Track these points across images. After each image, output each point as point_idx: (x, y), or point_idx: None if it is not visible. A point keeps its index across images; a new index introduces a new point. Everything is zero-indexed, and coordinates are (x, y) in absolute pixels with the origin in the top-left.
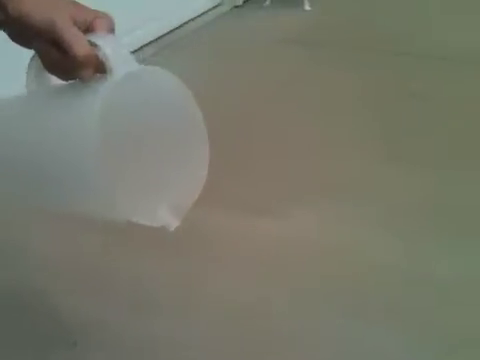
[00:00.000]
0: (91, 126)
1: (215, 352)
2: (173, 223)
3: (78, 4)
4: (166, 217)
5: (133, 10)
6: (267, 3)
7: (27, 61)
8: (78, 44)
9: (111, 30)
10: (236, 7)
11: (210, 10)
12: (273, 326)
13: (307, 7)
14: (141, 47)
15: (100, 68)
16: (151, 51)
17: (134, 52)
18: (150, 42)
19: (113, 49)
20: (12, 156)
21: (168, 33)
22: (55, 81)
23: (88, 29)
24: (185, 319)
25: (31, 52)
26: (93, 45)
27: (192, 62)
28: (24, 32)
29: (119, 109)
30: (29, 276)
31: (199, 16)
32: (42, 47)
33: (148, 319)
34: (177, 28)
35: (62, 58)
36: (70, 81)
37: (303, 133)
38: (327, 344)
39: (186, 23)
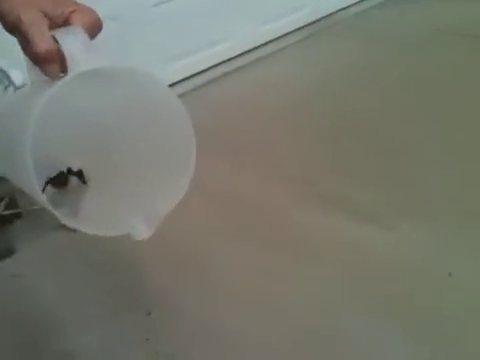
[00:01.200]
0: (27, 129)
1: (269, 350)
2: (144, 233)
3: None
4: (137, 225)
5: None
6: None
7: None
8: (39, 39)
9: (90, 24)
10: None
11: None
12: (339, 341)
13: None
14: (291, 32)
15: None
16: (301, 35)
17: (283, 37)
18: (301, 27)
19: (74, 45)
20: (2, 139)
21: (320, 19)
22: None
23: (64, 23)
24: (251, 312)
25: None
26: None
27: (338, 49)
28: (5, 27)
29: (79, 108)
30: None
31: (355, 3)
32: (19, 40)
33: (218, 304)
34: (331, 14)
35: (32, 53)
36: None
37: (449, 140)
38: None
39: (341, 9)
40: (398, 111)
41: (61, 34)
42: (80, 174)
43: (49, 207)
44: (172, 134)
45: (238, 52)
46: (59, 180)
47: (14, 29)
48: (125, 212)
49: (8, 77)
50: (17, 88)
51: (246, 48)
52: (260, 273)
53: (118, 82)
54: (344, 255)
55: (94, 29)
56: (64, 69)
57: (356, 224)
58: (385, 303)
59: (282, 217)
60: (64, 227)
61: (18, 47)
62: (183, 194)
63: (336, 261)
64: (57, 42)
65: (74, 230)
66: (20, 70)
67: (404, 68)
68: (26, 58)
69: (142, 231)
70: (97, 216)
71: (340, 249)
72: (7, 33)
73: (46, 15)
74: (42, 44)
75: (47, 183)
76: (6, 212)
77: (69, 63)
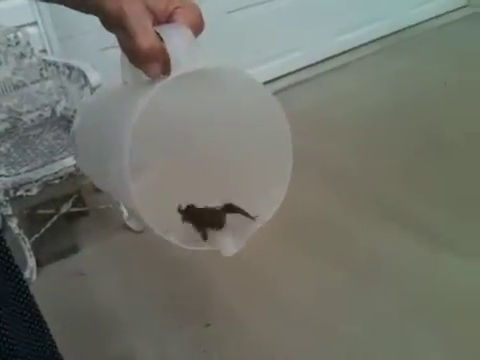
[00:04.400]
0: (124, 136)
1: None
2: (232, 249)
3: None
4: (224, 241)
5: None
6: None
7: None
8: (142, 35)
9: (194, 21)
10: None
11: (451, 12)
12: None
13: None
14: (366, 43)
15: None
16: (377, 47)
17: (357, 48)
18: (377, 39)
19: (178, 43)
20: (91, 138)
21: (396, 32)
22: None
23: (168, 19)
24: (312, 333)
25: None
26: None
27: (413, 63)
28: (104, 20)
29: (177, 110)
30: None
31: (436, 17)
32: (118, 36)
33: (279, 323)
34: (407, 28)
35: (133, 49)
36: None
37: None
38: None
39: (418, 24)
40: (470, 128)
41: (165, 30)
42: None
43: (146, 218)
44: (268, 147)
45: (312, 61)
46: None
47: (114, 22)
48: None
49: (85, 77)
50: (93, 88)
51: (320, 58)
52: (323, 294)
53: (216, 84)
54: (413, 280)
55: (197, 27)
56: (166, 69)
57: (428, 248)
58: (451, 329)
59: (349, 237)
60: (130, 228)
61: (96, 48)
62: (274, 212)
63: (403, 286)
64: (161, 39)
65: (140, 231)
66: (96, 71)
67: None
68: (122, 55)
69: (230, 247)
70: (186, 229)
71: (409, 273)
72: (85, 34)
73: (149, 9)
74: (145, 40)
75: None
76: (73, 209)
77: (173, 62)
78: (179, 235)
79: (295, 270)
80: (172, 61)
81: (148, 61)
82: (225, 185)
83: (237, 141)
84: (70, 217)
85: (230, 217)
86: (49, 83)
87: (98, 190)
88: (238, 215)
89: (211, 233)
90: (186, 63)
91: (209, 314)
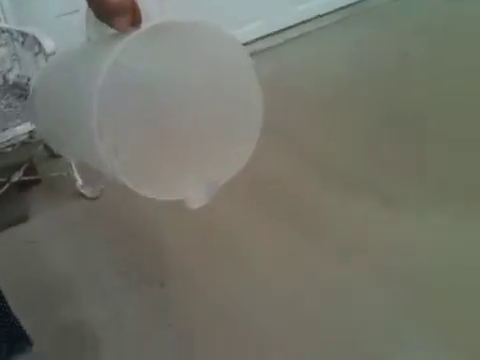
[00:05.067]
0: (94, 88)
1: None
2: (199, 201)
3: None
4: (193, 193)
5: None
6: None
7: None
8: None
9: None
10: None
11: None
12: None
13: None
14: (326, 14)
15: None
16: (336, 18)
17: (317, 18)
18: (336, 10)
19: None
20: (54, 98)
21: (356, 3)
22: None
23: None
24: (268, 298)
25: None
26: None
27: (373, 34)
28: None
29: (147, 65)
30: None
31: None
32: None
33: (236, 285)
34: None
35: (102, 2)
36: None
37: None
38: None
39: None
40: (431, 98)
41: None
42: None
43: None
44: (238, 101)
45: (272, 30)
46: None
47: None
48: (182, 177)
49: (39, 44)
50: (47, 55)
51: (281, 27)
52: (282, 258)
53: (184, 39)
54: (375, 244)
55: None
56: (135, 22)
57: (388, 212)
58: (410, 293)
59: (311, 203)
60: (83, 195)
61: (51, 14)
62: (243, 164)
63: (365, 250)
64: None
65: (94, 198)
66: (51, 38)
67: (441, 56)
68: (88, 11)
69: (197, 199)
70: (152, 178)
71: (369, 238)
72: (40, 1)
73: None
74: None
75: None
76: (25, 178)
77: (143, 15)
78: (149, 187)
79: (255, 234)
80: (142, 14)
81: (117, 14)
82: (195, 141)
83: (208, 97)
84: (22, 185)
85: (200, 171)
86: (2, 50)
87: (51, 158)
88: (207, 169)
89: (179, 182)
90: (157, 16)
91: (164, 275)
